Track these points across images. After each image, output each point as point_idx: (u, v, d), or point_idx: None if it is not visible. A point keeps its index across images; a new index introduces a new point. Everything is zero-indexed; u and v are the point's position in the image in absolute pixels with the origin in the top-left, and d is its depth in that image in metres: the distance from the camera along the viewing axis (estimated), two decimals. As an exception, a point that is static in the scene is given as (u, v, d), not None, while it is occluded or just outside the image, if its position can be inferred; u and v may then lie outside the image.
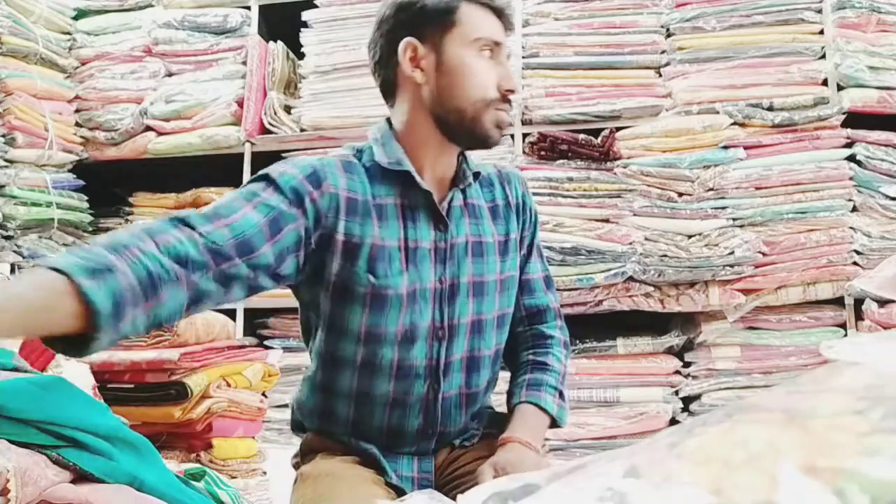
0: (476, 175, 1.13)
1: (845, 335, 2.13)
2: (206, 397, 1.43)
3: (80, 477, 0.72)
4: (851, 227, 2.15)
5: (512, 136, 2.39)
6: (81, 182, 2.65)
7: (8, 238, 2.31)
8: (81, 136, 2.68)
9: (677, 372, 2.21)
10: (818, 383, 0.39)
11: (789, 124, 2.20)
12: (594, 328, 2.25)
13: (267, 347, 2.06)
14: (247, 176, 2.53)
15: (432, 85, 1.04)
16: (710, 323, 2.20)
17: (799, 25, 2.30)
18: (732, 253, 2.12)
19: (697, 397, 2.19)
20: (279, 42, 2.64)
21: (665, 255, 2.15)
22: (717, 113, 2.23)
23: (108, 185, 2.70)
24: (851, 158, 2.18)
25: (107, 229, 2.63)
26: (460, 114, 1.03)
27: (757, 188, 2.19)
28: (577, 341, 2.21)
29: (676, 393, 2.20)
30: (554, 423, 1.13)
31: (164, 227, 0.86)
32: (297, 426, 1.19)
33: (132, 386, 1.37)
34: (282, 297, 2.47)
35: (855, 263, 2.13)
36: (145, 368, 1.38)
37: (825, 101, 2.21)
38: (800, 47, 2.27)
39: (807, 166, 2.17)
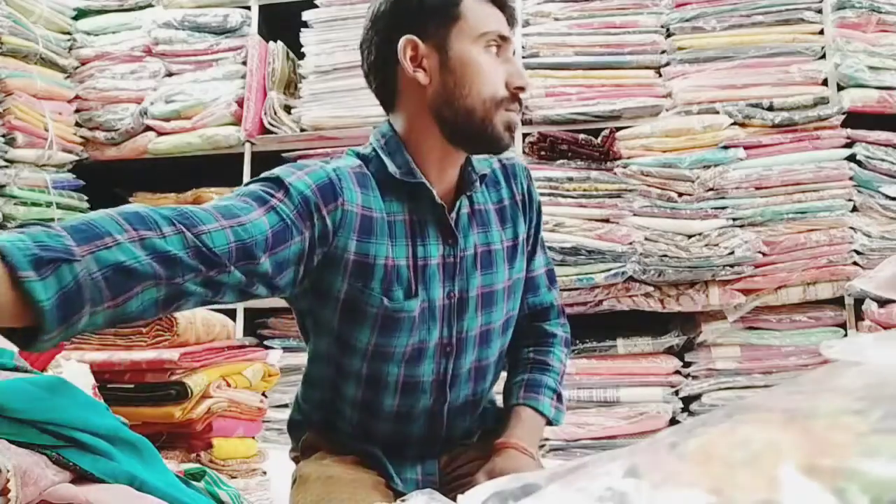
0: (482, 178, 1.07)
1: (845, 335, 2.13)
2: (206, 397, 1.43)
3: (80, 477, 0.72)
4: (851, 227, 2.15)
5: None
6: (81, 182, 2.65)
7: (8, 238, 2.31)
8: (81, 136, 2.68)
9: (677, 372, 2.21)
10: (818, 383, 0.39)
11: (789, 124, 2.20)
12: (594, 328, 2.25)
13: (267, 347, 2.05)
14: (247, 176, 2.53)
15: (437, 85, 0.96)
16: (710, 323, 2.20)
17: (799, 25, 2.30)
18: (732, 253, 2.12)
19: (697, 397, 2.19)
20: (279, 42, 2.64)
21: (665, 255, 2.15)
22: (717, 113, 2.23)
23: (108, 185, 2.70)
24: (851, 158, 2.18)
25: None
26: (469, 115, 0.95)
27: (757, 188, 2.19)
28: (577, 341, 2.21)
29: (676, 393, 2.20)
30: (549, 423, 1.12)
31: (155, 220, 0.75)
32: (295, 425, 1.17)
33: (132, 386, 1.37)
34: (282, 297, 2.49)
35: (855, 263, 2.13)
36: (145, 368, 1.38)
37: (825, 101, 2.21)
38: (800, 47, 2.27)
39: (807, 166, 2.17)
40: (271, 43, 2.64)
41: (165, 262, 0.74)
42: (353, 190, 0.95)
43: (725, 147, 2.21)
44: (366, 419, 1.06)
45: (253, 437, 1.65)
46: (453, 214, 1.02)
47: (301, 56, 2.59)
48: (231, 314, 2.22)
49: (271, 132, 2.56)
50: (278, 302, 2.45)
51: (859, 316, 2.11)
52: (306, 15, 2.56)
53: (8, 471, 0.63)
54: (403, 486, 1.05)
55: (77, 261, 0.65)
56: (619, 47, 2.37)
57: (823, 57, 2.26)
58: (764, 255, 2.14)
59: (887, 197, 2.14)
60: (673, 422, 2.18)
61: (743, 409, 0.38)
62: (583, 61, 2.38)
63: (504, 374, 1.19)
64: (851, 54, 2.19)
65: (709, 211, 2.19)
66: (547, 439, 2.17)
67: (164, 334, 1.43)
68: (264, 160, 2.40)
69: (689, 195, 2.20)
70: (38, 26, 2.54)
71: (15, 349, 0.91)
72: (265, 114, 2.56)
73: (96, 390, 1.25)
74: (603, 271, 2.17)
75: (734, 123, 2.23)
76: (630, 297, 2.20)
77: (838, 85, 2.22)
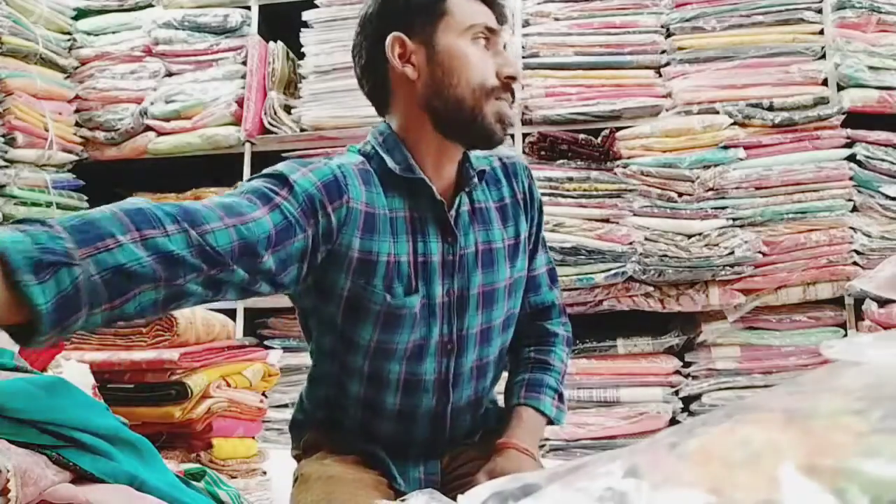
0: (481, 174, 1.07)
1: (845, 335, 2.13)
2: (206, 397, 1.43)
3: (80, 477, 0.72)
4: (851, 227, 2.15)
5: (512, 137, 2.39)
6: (81, 182, 2.65)
7: (8, 238, 2.31)
8: (81, 136, 2.68)
9: (677, 372, 2.21)
10: (818, 383, 0.39)
11: (789, 124, 2.20)
12: (594, 328, 2.25)
13: (267, 347, 2.05)
14: (247, 176, 2.53)
15: (426, 79, 0.97)
16: (710, 323, 2.20)
17: (799, 25, 2.30)
18: (732, 253, 2.12)
19: (697, 397, 2.19)
20: (279, 42, 2.64)
21: (665, 255, 2.15)
22: (717, 113, 2.23)
23: (108, 185, 2.69)
24: (851, 158, 2.18)
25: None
26: (459, 104, 0.96)
27: (757, 188, 2.19)
28: (577, 341, 2.21)
29: (676, 393, 2.20)
30: (550, 423, 1.12)
31: (159, 217, 0.74)
32: (298, 423, 1.17)
33: (132, 386, 1.37)
34: (282, 297, 2.49)
35: (855, 263, 2.13)
36: (145, 368, 1.38)
37: (825, 101, 2.21)
38: (800, 47, 2.27)
39: (807, 166, 2.17)
40: (271, 43, 2.64)
41: (168, 262, 0.73)
42: (358, 187, 0.96)
43: (725, 147, 2.21)
44: (369, 418, 1.06)
45: (253, 437, 1.65)
46: (452, 212, 1.03)
47: (301, 56, 2.59)
48: (231, 314, 2.22)
49: (271, 132, 2.56)
50: (279, 302, 2.46)
51: (859, 316, 2.11)
52: (306, 15, 2.56)
53: (8, 471, 0.63)
54: (406, 486, 1.05)
55: (77, 265, 0.65)
56: (619, 47, 2.37)
57: (823, 57, 2.26)
58: (764, 255, 2.14)
59: (887, 197, 2.14)
60: (673, 422, 2.18)
61: (743, 409, 0.38)
62: (583, 61, 2.38)
63: (505, 374, 1.19)
64: (851, 54, 2.19)
65: (709, 211, 2.19)
66: (547, 439, 2.17)
67: (164, 334, 1.43)
68: (264, 160, 2.40)
69: (689, 195, 2.20)
70: (38, 26, 2.54)
71: (15, 349, 0.91)
72: (265, 114, 2.56)
73: (96, 390, 1.25)
74: (603, 271, 2.17)
75: (734, 123, 2.23)
76: (630, 297, 2.20)
77: (838, 85, 2.22)
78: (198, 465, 1.19)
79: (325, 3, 2.55)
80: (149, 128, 2.65)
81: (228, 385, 1.52)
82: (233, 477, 1.51)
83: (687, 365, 2.23)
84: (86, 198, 2.66)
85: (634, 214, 2.21)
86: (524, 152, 2.33)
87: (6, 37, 2.38)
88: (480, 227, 1.06)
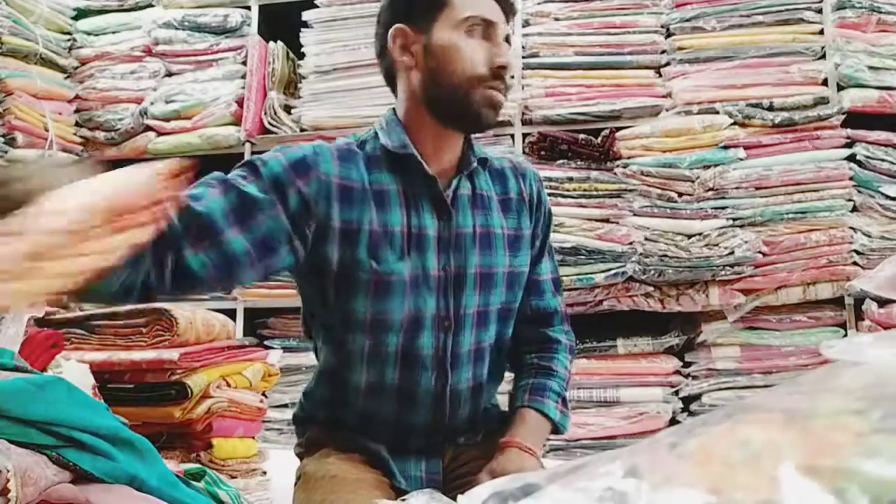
0: (484, 162, 1.12)
1: (845, 335, 2.13)
2: (206, 397, 1.43)
3: (80, 477, 0.72)
4: (851, 227, 2.15)
5: (512, 137, 2.39)
6: (81, 182, 2.65)
7: (8, 238, 2.31)
8: (81, 136, 2.68)
9: (677, 372, 2.21)
10: (818, 383, 0.39)
11: (789, 124, 2.20)
12: (594, 328, 2.25)
13: (267, 347, 2.05)
14: (247, 176, 2.52)
15: (422, 68, 1.04)
16: (710, 323, 2.20)
17: (799, 25, 2.30)
18: (732, 253, 2.12)
19: (697, 397, 2.19)
20: (279, 42, 2.64)
21: (665, 255, 2.15)
22: (717, 113, 2.23)
23: (108, 185, 2.70)
24: (851, 158, 2.18)
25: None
26: (451, 93, 1.02)
27: (757, 188, 2.19)
28: (578, 341, 2.20)
29: (676, 393, 2.20)
30: (555, 430, 1.13)
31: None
32: (300, 420, 1.17)
33: (132, 386, 1.37)
34: (282, 297, 2.49)
35: (855, 263, 2.13)
36: (145, 368, 1.38)
37: (825, 101, 2.21)
38: (800, 47, 2.27)
39: (807, 166, 2.17)
40: (271, 43, 2.64)
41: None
42: (331, 162, 1.02)
43: (725, 147, 2.21)
44: (370, 405, 1.07)
45: (253, 437, 1.65)
46: (449, 192, 1.07)
47: (301, 56, 2.59)
48: (231, 314, 2.22)
49: (271, 132, 2.56)
50: (278, 302, 2.46)
51: (859, 316, 2.11)
52: (306, 15, 2.56)
53: (8, 471, 0.63)
54: (407, 485, 1.06)
55: None
56: (619, 47, 2.37)
57: (823, 57, 2.26)
58: (764, 255, 2.14)
59: (887, 197, 2.14)
60: (673, 422, 2.18)
61: (743, 409, 0.39)
62: (583, 61, 2.38)
63: (506, 385, 1.19)
64: (851, 54, 2.19)
65: (709, 211, 2.19)
66: (547, 439, 2.17)
67: (164, 334, 1.43)
68: (264, 160, 2.40)
69: (689, 195, 2.20)
70: (38, 26, 2.54)
71: (15, 349, 0.91)
72: (265, 114, 2.56)
73: (96, 390, 1.25)
74: (603, 271, 2.17)
75: (734, 123, 2.23)
76: (630, 297, 2.20)
77: (838, 85, 2.22)
78: (198, 465, 1.19)
79: (325, 3, 2.55)
80: (149, 128, 2.65)
81: (228, 385, 1.52)
82: (233, 477, 1.51)
83: (687, 365, 2.23)
84: (86, 198, 2.65)
85: (634, 214, 2.21)
86: (524, 152, 2.33)
87: (6, 37, 2.38)
88: (480, 211, 1.10)
